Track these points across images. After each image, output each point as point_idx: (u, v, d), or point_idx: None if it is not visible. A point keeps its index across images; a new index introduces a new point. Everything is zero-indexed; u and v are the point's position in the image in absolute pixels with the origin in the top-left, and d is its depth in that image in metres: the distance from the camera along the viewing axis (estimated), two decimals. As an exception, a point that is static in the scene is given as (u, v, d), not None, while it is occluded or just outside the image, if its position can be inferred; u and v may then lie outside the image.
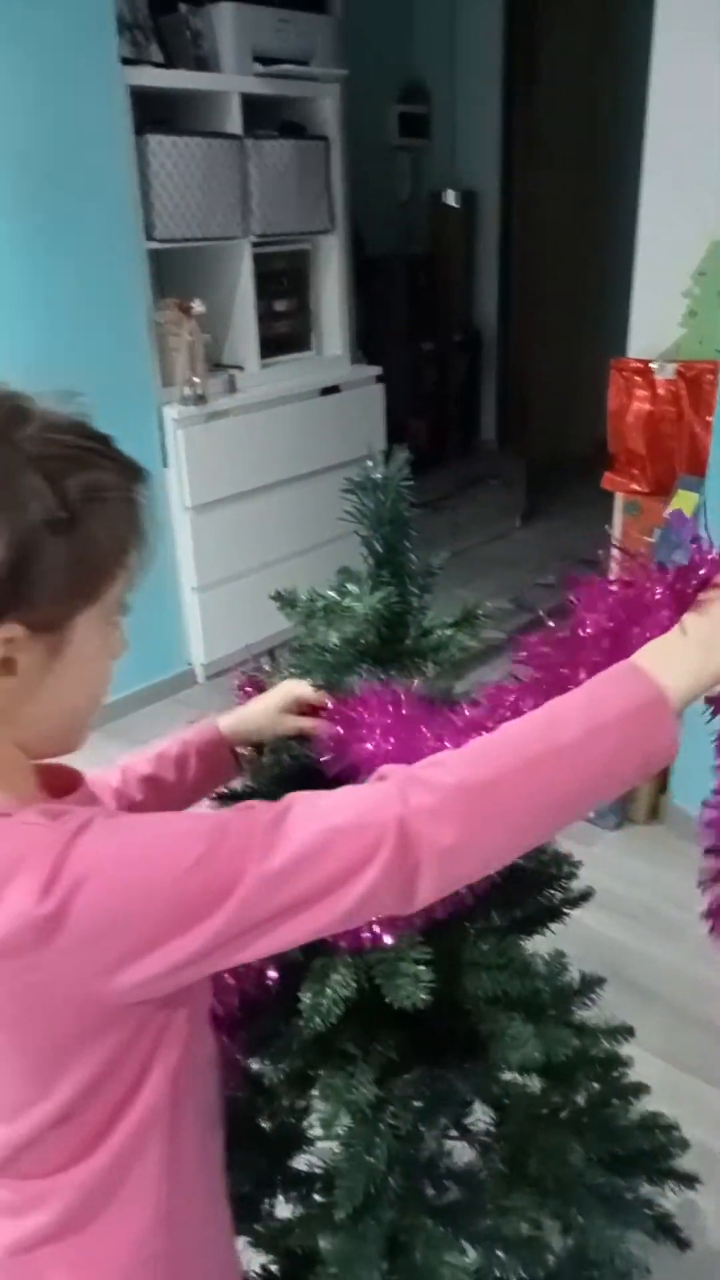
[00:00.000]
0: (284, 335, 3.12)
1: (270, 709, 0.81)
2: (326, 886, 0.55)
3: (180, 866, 0.54)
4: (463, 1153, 1.03)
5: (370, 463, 0.74)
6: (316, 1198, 1.01)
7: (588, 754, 0.57)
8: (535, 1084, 1.03)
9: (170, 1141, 0.67)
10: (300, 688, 0.79)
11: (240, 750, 0.84)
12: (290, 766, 0.77)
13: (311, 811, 0.57)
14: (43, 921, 0.51)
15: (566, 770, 0.57)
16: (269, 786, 0.79)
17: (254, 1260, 1.06)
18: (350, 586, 0.81)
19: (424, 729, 0.66)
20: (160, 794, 0.83)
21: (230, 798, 0.90)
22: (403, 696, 0.69)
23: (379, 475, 0.74)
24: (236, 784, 0.85)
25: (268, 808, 0.58)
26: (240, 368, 2.94)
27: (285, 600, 0.80)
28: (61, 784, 0.69)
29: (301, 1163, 1.05)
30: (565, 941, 1.02)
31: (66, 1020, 0.57)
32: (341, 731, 0.69)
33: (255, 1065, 0.96)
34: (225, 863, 0.54)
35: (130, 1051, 0.61)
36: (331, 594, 0.78)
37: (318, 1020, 0.78)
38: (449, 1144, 1.03)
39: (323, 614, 0.76)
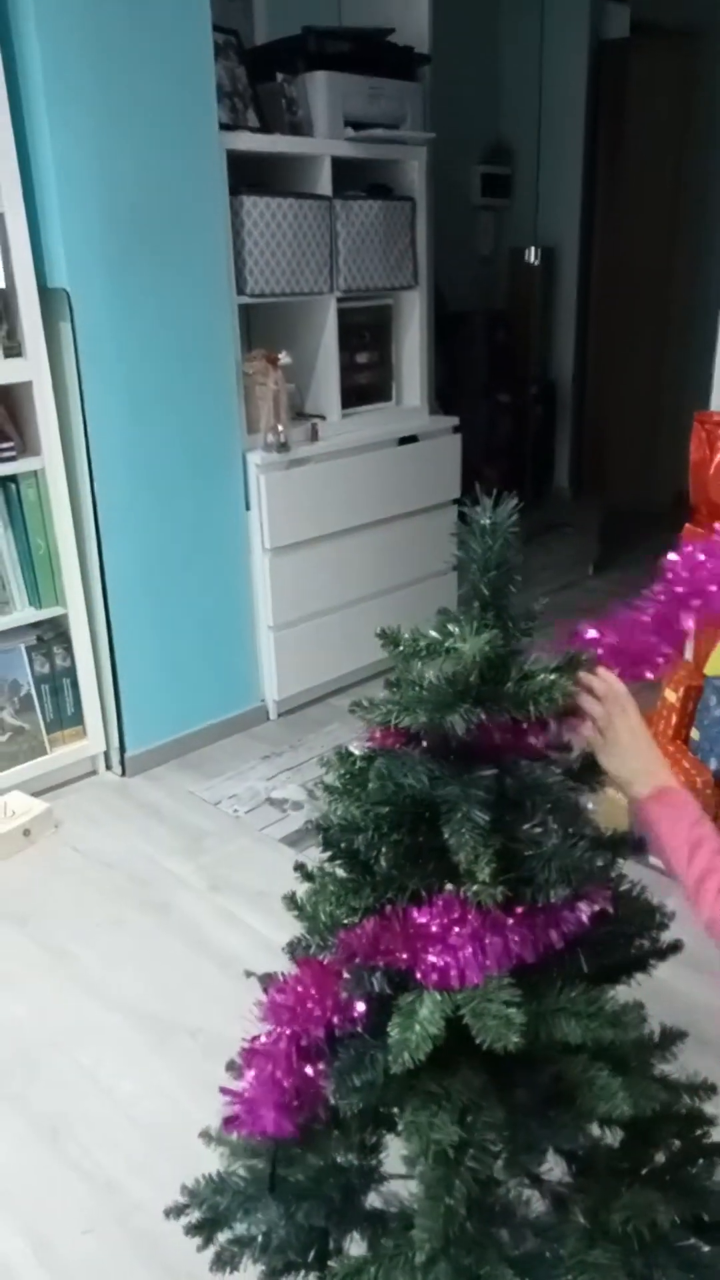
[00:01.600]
0: (365, 386, 3.20)
1: None
2: None
3: None
4: (537, 1203, 1.02)
5: (479, 508, 0.77)
6: (387, 1242, 1.00)
7: None
8: (612, 1137, 1.01)
9: None
10: None
11: None
12: (393, 793, 0.79)
13: None
14: None
15: None
16: (371, 811, 0.81)
17: (326, 1301, 1.05)
18: (451, 627, 0.83)
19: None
20: None
21: (323, 826, 0.93)
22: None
23: (488, 520, 0.76)
24: (333, 813, 0.88)
25: None
26: (322, 417, 3.02)
27: (388, 638, 0.83)
28: None
29: (374, 1200, 1.05)
30: (641, 996, 1.01)
31: None
32: None
33: (332, 1099, 0.96)
34: None
35: None
36: (434, 634, 0.80)
37: (406, 1056, 0.79)
38: (525, 1193, 1.02)
39: (425, 653, 0.79)
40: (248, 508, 2.80)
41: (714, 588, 0.89)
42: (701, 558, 0.90)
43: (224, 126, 2.56)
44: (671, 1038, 1.07)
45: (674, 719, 2.30)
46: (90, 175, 2.27)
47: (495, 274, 4.81)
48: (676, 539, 2.42)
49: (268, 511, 2.79)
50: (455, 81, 3.92)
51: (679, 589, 0.88)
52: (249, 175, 2.70)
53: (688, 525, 2.42)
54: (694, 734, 2.27)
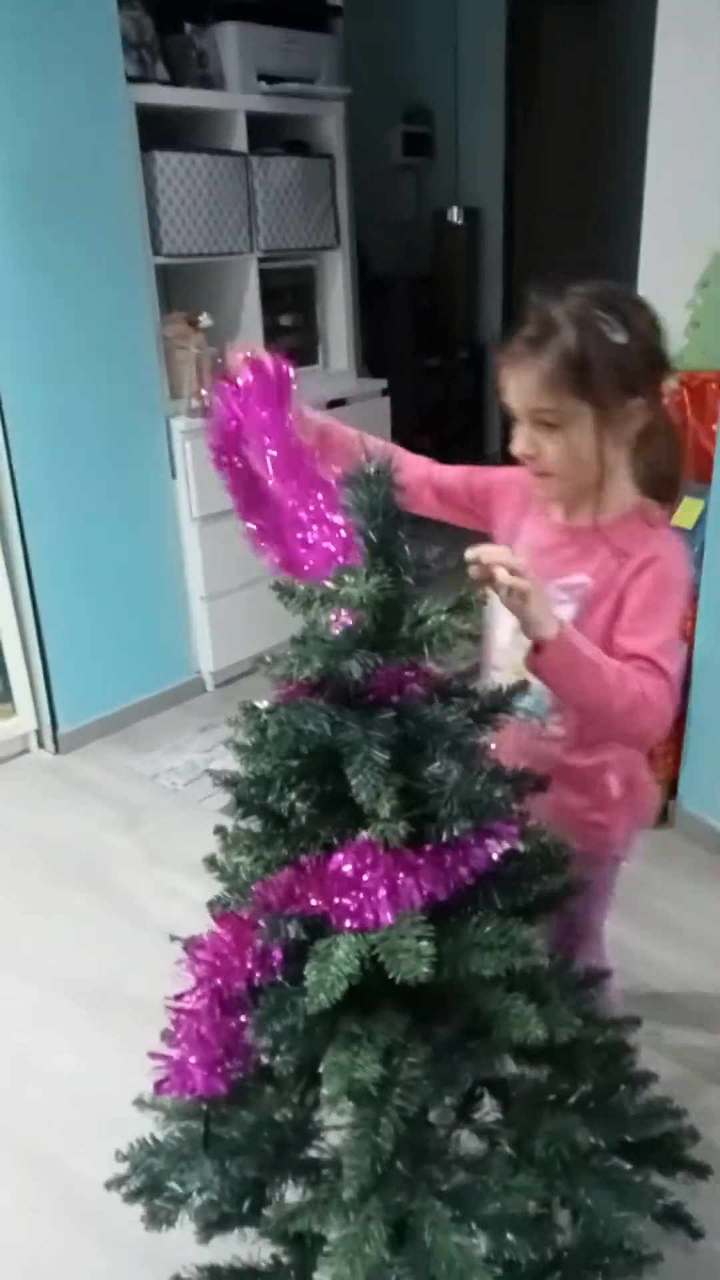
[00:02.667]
0: (290, 349, 3.15)
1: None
2: None
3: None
4: (470, 1143, 1.04)
5: (364, 458, 0.77)
6: (322, 1188, 1.02)
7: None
8: (542, 1074, 1.03)
9: None
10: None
11: None
12: (294, 739, 0.79)
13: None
14: None
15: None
16: (281, 762, 0.81)
17: (264, 1251, 1.06)
18: (346, 577, 0.83)
19: None
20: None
21: (232, 783, 0.93)
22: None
23: (372, 469, 0.76)
24: (245, 769, 0.87)
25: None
26: (247, 381, 2.97)
27: (284, 590, 0.83)
28: None
29: (313, 1154, 1.06)
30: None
31: None
32: None
33: (265, 1060, 0.96)
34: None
35: None
36: (329, 584, 0.80)
37: (322, 996, 0.79)
38: (456, 1133, 1.04)
39: (320, 602, 0.78)
40: (173, 475, 2.76)
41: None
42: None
43: (132, 79, 2.49)
44: (596, 976, 1.10)
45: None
46: (-11, 132, 2.19)
47: (419, 235, 4.77)
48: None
49: (194, 478, 2.75)
50: (371, 38, 3.86)
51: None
52: (161, 131, 2.62)
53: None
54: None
